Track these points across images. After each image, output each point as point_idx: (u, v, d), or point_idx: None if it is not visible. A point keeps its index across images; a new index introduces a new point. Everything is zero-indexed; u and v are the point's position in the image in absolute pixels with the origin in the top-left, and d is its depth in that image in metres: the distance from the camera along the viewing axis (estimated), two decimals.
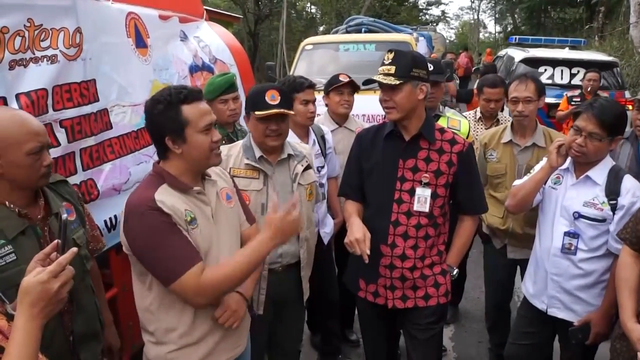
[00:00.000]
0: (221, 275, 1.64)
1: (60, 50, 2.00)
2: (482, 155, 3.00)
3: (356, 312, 2.74)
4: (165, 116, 1.64)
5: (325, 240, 2.93)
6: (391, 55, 2.10)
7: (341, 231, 3.11)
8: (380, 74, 2.10)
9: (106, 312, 2.01)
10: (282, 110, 2.14)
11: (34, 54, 1.88)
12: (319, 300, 3.28)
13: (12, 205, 1.58)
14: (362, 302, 2.36)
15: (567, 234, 2.26)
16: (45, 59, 1.93)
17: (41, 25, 1.90)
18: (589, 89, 5.73)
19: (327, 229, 2.95)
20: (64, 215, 1.20)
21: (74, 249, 1.17)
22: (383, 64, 2.11)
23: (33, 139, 1.56)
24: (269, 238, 1.68)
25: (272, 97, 2.14)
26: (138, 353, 2.08)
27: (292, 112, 2.26)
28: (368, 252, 1.99)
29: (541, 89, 2.82)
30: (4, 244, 1.53)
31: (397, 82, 2.04)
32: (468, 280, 4.03)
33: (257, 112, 2.15)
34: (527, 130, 2.84)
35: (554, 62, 7.28)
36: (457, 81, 9.32)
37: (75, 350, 1.74)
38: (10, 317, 1.16)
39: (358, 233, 2.04)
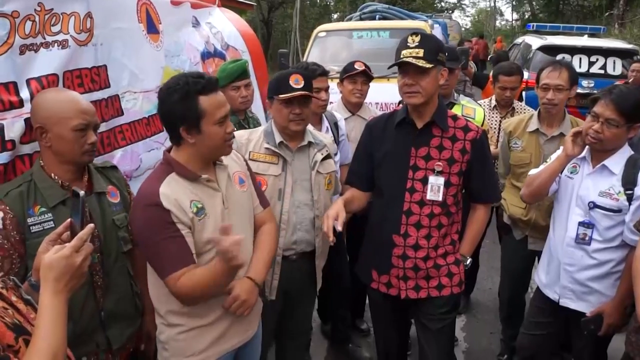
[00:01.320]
0: (193, 284, 1.63)
1: (71, 35, 1.98)
2: (505, 144, 2.95)
3: (367, 301, 2.73)
4: (181, 106, 1.63)
5: (337, 229, 2.91)
6: (417, 39, 2.02)
7: (352, 220, 3.09)
8: (409, 56, 2.01)
9: (147, 300, 2.03)
10: (306, 92, 2.15)
11: (44, 38, 1.86)
12: (329, 289, 3.27)
13: (56, 177, 1.72)
14: (374, 292, 2.34)
15: (581, 224, 2.22)
16: (56, 44, 1.91)
17: (52, 9, 1.88)
18: (630, 80, 5.59)
19: None
20: (82, 193, 1.24)
21: (91, 225, 1.22)
22: (408, 47, 2.03)
23: (79, 117, 1.70)
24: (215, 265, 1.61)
25: (296, 81, 2.15)
26: None
27: (314, 95, 2.26)
28: (339, 228, 1.94)
29: (574, 78, 2.73)
30: (45, 212, 1.67)
31: (429, 66, 1.99)
32: (480, 271, 4.00)
33: (281, 96, 2.15)
34: (554, 119, 2.77)
35: (572, 50, 7.12)
36: (474, 69, 9.15)
37: (104, 326, 1.81)
38: (26, 302, 1.18)
39: (332, 210, 2.02)
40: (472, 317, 3.78)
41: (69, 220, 1.24)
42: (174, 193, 1.65)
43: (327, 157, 2.33)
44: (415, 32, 2.08)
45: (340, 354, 3.33)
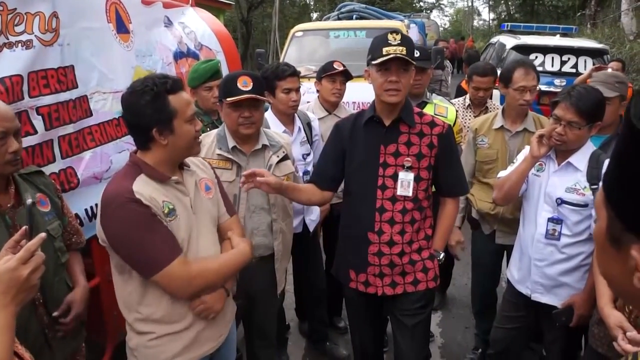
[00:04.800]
0: (209, 266, 1.71)
1: (35, 36, 1.95)
2: (471, 142, 3.00)
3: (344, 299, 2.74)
4: (153, 107, 1.60)
5: (311, 228, 2.91)
6: (398, 37, 2.03)
7: (328, 218, 3.10)
8: (395, 53, 2.00)
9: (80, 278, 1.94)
10: (253, 95, 2.10)
11: (7, 39, 1.83)
12: (306, 288, 3.28)
13: None
14: (350, 291, 2.34)
15: (550, 220, 2.26)
16: (19, 44, 1.88)
17: (15, 9, 1.86)
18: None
19: (313, 217, 2.93)
20: (29, 201, 1.21)
21: (42, 235, 1.16)
22: (389, 44, 2.01)
23: None
24: None
25: (244, 83, 2.10)
26: (124, 342, 2.06)
27: (264, 98, 2.21)
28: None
29: (539, 77, 2.85)
30: None
31: (415, 64, 2.05)
32: (456, 267, 4.04)
33: (229, 99, 2.11)
34: (519, 116, 2.86)
35: (545, 50, 7.26)
36: (449, 69, 9.24)
37: (50, 345, 1.71)
38: None
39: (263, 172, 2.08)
40: (447, 313, 3.82)
41: (24, 227, 1.20)
42: (147, 191, 1.61)
43: (285, 158, 2.31)
44: (394, 30, 2.09)
45: (318, 353, 3.33)
